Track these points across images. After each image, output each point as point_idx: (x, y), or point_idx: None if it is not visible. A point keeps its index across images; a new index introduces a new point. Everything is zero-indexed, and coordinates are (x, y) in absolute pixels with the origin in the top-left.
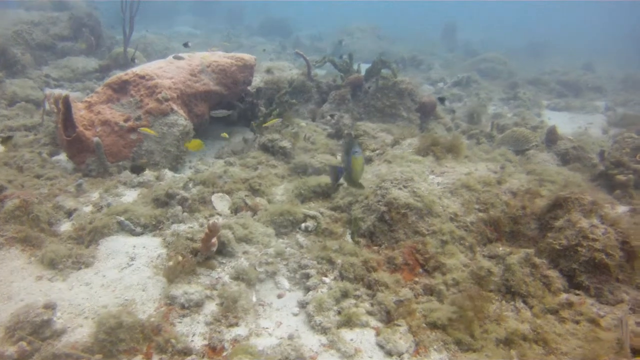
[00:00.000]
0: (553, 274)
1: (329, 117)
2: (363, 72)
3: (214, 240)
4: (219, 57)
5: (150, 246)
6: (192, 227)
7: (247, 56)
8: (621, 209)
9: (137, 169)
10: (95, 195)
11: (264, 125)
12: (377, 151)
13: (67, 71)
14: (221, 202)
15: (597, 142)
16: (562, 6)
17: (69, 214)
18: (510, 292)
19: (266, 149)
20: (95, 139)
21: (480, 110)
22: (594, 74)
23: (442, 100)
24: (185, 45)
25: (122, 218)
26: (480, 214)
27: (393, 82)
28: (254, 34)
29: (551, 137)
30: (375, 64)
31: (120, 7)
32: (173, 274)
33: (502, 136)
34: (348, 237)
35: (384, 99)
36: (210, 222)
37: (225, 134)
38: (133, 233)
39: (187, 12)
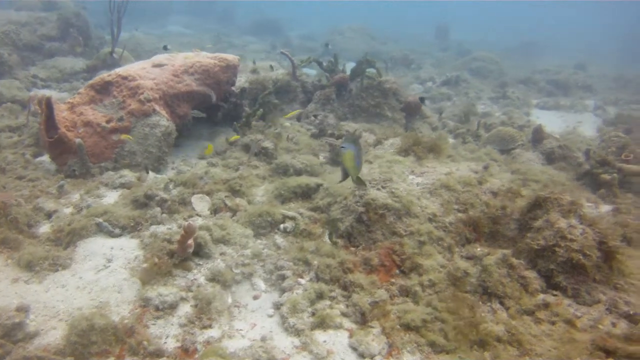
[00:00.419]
0: (530, 274)
1: (312, 118)
2: (349, 72)
3: (190, 241)
4: (202, 57)
5: (127, 248)
6: (170, 229)
7: (230, 56)
8: (605, 208)
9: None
10: (76, 197)
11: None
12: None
13: (54, 71)
14: (201, 203)
15: (585, 141)
16: (558, 5)
17: (49, 215)
18: (487, 293)
19: (248, 149)
20: (77, 140)
21: (472, 111)
22: (586, 73)
23: (422, 100)
24: (165, 48)
25: (100, 220)
26: (460, 215)
27: (378, 81)
28: (246, 33)
29: (537, 136)
30: (360, 63)
31: (109, 8)
32: (149, 276)
33: (488, 135)
34: (327, 238)
35: (369, 98)
36: (186, 223)
37: (209, 150)
38: (111, 234)
39: (180, 12)
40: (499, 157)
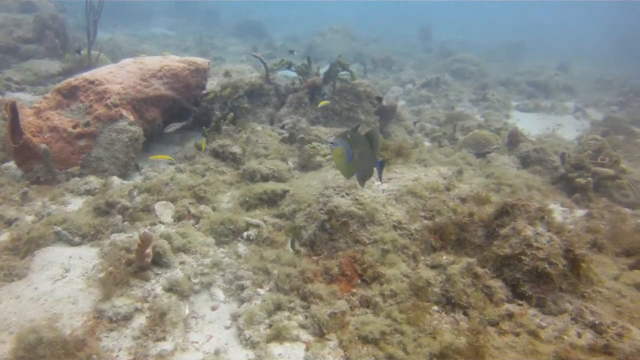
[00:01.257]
0: (495, 284)
1: (279, 129)
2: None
3: (149, 250)
4: (171, 61)
5: (86, 257)
6: (131, 237)
7: (199, 60)
8: (580, 212)
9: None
10: (39, 204)
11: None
12: (328, 156)
13: (29, 74)
14: (165, 210)
15: (563, 144)
16: (543, 5)
17: (9, 223)
18: (450, 303)
19: (217, 154)
20: (43, 146)
21: (458, 117)
22: (568, 74)
23: (379, 99)
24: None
25: (59, 228)
26: (426, 222)
27: (351, 84)
28: (229, 35)
29: (513, 140)
30: (333, 65)
31: (85, 9)
32: (104, 286)
33: (464, 139)
34: (289, 246)
35: (342, 102)
36: (142, 232)
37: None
38: (71, 243)
39: (164, 14)
40: (474, 161)
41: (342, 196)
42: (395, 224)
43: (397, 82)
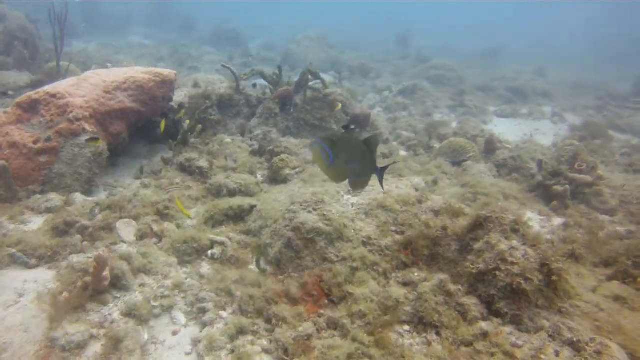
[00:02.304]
0: (469, 301)
1: (250, 138)
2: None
3: (106, 273)
4: (136, 72)
5: (42, 280)
6: (90, 258)
7: (166, 71)
8: (557, 221)
9: None
10: None
11: None
12: (298, 169)
13: None
14: (127, 229)
15: (540, 150)
16: (521, 10)
17: None
18: (422, 322)
19: (183, 169)
20: (2, 162)
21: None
22: (545, 79)
23: (345, 127)
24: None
25: (14, 250)
26: (397, 237)
27: (323, 93)
28: (206, 44)
29: (490, 147)
30: (303, 74)
31: (49, 19)
32: (58, 312)
33: (440, 147)
34: (255, 265)
35: (314, 111)
36: (96, 254)
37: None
38: (27, 266)
39: (140, 23)
40: (450, 170)
41: (309, 212)
42: (365, 239)
43: (373, 89)
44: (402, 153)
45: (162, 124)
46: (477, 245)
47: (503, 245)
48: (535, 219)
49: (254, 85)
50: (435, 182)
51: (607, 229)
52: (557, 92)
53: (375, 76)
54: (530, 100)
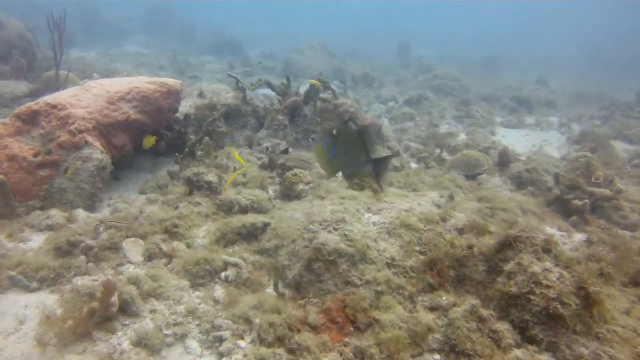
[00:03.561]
0: (503, 327)
1: (263, 148)
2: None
3: (114, 299)
4: (141, 82)
5: (44, 305)
6: (96, 281)
7: (172, 81)
8: (578, 237)
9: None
10: None
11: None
12: (312, 184)
13: None
14: (134, 249)
15: (552, 162)
16: (517, 15)
17: None
18: (454, 351)
19: (191, 183)
20: (0, 176)
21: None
22: (548, 88)
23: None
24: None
25: (14, 273)
26: (422, 257)
27: (333, 104)
28: (205, 52)
29: (504, 160)
30: (313, 85)
31: (48, 27)
32: (62, 342)
33: (452, 160)
34: (272, 289)
35: (324, 123)
36: (104, 279)
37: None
38: (28, 289)
39: (139, 32)
40: (465, 184)
41: (330, 232)
42: (389, 261)
43: (378, 99)
44: (413, 165)
45: (150, 141)
46: (508, 267)
47: (536, 268)
48: (556, 235)
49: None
50: (451, 198)
51: (631, 245)
52: (562, 102)
53: (378, 86)
54: (536, 111)
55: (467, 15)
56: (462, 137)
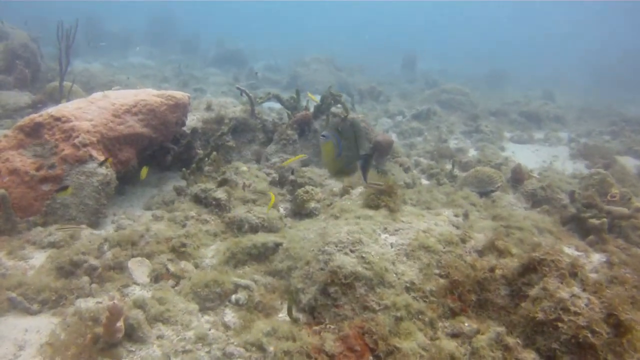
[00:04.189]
0: (529, 355)
1: (271, 163)
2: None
3: (119, 324)
4: (147, 95)
5: (45, 329)
6: (100, 303)
7: (179, 94)
8: (596, 257)
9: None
10: None
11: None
12: (325, 201)
13: None
14: (140, 269)
15: (564, 179)
16: (522, 34)
17: None
18: None
19: (199, 200)
20: (0, 191)
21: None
22: (555, 103)
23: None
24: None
25: (13, 294)
26: (442, 281)
27: (344, 119)
28: (209, 64)
29: (517, 177)
30: (325, 98)
31: (57, 37)
32: None
33: (465, 176)
34: (286, 313)
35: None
36: (110, 303)
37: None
38: (28, 312)
39: (142, 43)
40: (478, 201)
41: (346, 253)
42: (408, 284)
43: (385, 113)
44: (424, 182)
45: (144, 171)
46: (533, 292)
47: (563, 293)
48: (573, 255)
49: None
50: (466, 216)
51: None
52: (569, 117)
53: (385, 100)
54: (545, 126)
55: (470, 29)
56: (472, 152)
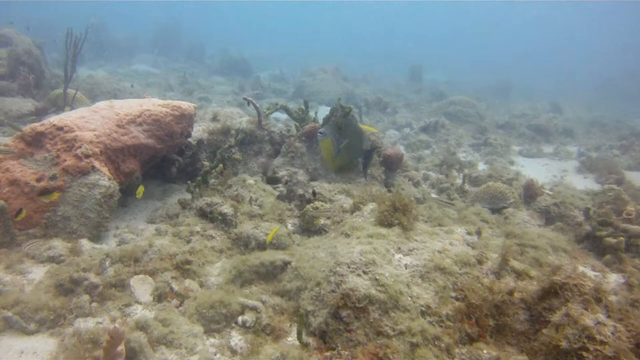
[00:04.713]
0: None
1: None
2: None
3: (120, 348)
4: (153, 105)
5: (42, 351)
6: (100, 323)
7: (185, 104)
8: (613, 278)
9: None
10: None
11: None
12: (334, 218)
13: None
14: (142, 287)
15: (576, 195)
16: (527, 47)
17: None
18: None
19: (204, 214)
20: (0, 202)
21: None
22: (562, 116)
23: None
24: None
25: (9, 313)
26: (458, 304)
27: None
28: (215, 73)
29: (530, 193)
30: (335, 110)
31: (65, 44)
32: None
33: (476, 192)
34: (295, 336)
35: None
36: (111, 327)
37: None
38: (25, 331)
39: (147, 50)
40: (490, 218)
41: (359, 275)
42: (424, 308)
43: (393, 125)
44: (434, 197)
45: (140, 190)
46: (555, 318)
47: (588, 320)
48: (589, 276)
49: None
50: (479, 233)
51: None
52: (578, 130)
53: (392, 111)
54: (554, 139)
55: (474, 40)
56: (481, 166)
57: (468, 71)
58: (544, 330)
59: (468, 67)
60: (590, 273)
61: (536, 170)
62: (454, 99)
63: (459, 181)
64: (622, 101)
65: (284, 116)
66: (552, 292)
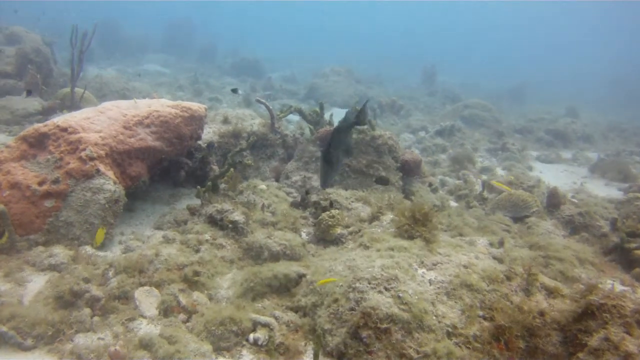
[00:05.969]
0: None
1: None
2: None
3: None
4: (161, 106)
5: None
6: (102, 339)
7: (195, 105)
8: None
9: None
10: None
11: None
12: (351, 228)
13: (4, 112)
14: (147, 300)
15: (599, 203)
16: (541, 49)
17: None
18: None
19: (214, 222)
20: (0, 206)
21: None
22: (581, 121)
23: (234, 90)
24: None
25: (4, 328)
26: (486, 324)
27: (370, 136)
28: (226, 73)
29: (553, 201)
30: (350, 114)
31: (70, 42)
32: None
33: (497, 199)
34: (311, 356)
35: (360, 157)
36: (112, 349)
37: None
38: (21, 347)
39: (157, 50)
40: (512, 227)
41: (380, 292)
42: (450, 329)
43: (407, 128)
44: (452, 204)
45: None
46: (593, 342)
47: (631, 346)
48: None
49: (234, 90)
50: (501, 244)
51: None
52: (596, 135)
53: (406, 114)
54: (572, 145)
55: (487, 43)
56: (500, 171)
57: (481, 73)
58: (580, 355)
59: (481, 68)
60: (619, 287)
61: (555, 176)
62: (469, 102)
63: (477, 187)
64: (636, 103)
65: (295, 118)
66: (589, 313)
